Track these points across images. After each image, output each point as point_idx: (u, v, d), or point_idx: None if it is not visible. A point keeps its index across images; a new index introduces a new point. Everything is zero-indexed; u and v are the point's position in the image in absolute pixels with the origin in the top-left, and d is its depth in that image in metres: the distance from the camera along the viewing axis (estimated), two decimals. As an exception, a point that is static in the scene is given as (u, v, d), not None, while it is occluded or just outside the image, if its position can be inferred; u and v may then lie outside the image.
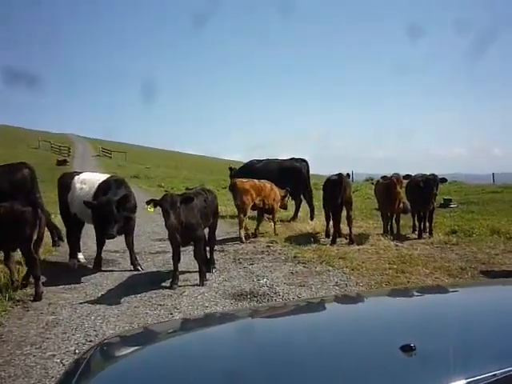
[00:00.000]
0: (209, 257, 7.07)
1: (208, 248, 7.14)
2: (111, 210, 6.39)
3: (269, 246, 8.94)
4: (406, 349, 1.36)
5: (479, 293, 2.35)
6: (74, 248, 7.68)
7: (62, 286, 6.28)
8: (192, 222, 6.13)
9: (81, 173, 8.10)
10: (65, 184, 7.74)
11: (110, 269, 7.34)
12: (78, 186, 7.53)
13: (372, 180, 31.23)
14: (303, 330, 1.85)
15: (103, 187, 7.05)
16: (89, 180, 7.57)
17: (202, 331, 2.05)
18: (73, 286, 6.31)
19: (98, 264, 7.22)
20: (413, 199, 10.40)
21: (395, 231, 10.14)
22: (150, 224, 12.10)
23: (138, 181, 29.84)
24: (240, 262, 7.59)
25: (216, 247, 8.84)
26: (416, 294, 2.58)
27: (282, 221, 12.33)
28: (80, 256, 7.85)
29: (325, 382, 1.34)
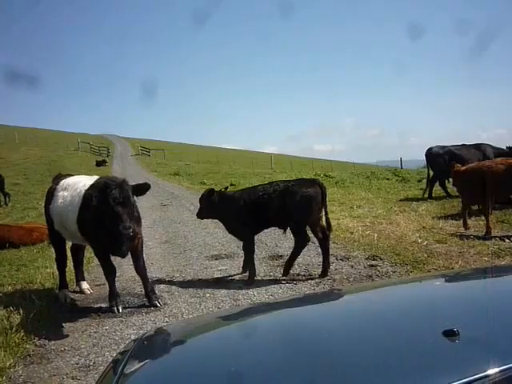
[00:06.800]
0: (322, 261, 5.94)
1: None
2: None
3: (373, 266, 6.22)
4: (449, 333, 1.31)
5: None
6: (64, 276, 5.75)
7: (75, 360, 3.83)
8: (227, 220, 6.05)
9: (71, 175, 5.95)
10: (49, 191, 5.76)
11: (150, 315, 4.84)
12: (60, 193, 5.38)
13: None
14: (345, 317, 1.84)
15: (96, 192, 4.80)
16: (72, 184, 5.39)
17: (238, 324, 2.02)
18: (92, 358, 3.84)
19: (112, 299, 5.06)
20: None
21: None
22: (199, 233, 9.65)
23: (179, 178, 27.80)
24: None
25: (297, 269, 6.28)
26: (460, 277, 2.47)
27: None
28: (84, 286, 5.88)
29: (369, 365, 1.33)
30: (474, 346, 1.33)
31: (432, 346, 1.36)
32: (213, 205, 5.98)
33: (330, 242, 7.96)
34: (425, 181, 18.94)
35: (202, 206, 6.16)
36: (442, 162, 13.34)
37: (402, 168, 31.31)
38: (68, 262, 6.08)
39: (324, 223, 5.95)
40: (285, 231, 5.93)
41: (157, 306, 5.05)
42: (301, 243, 5.78)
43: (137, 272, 5.26)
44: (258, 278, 6.01)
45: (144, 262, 5.33)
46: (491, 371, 1.15)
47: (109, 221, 4.51)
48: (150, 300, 5.14)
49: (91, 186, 5.01)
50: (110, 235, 4.64)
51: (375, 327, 1.62)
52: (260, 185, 6.46)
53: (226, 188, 6.47)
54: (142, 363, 1.64)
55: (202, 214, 6.22)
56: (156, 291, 5.35)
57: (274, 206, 5.62)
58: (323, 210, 5.84)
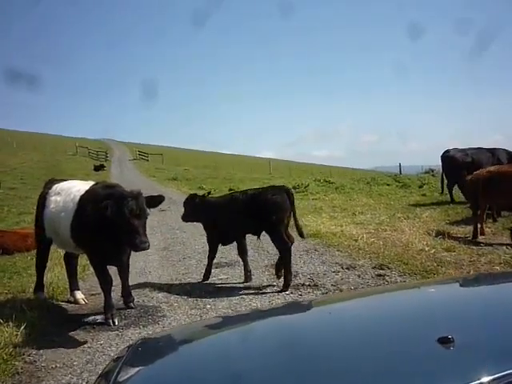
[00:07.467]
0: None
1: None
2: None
3: (381, 276, 5.96)
4: (444, 341, 1.30)
5: None
6: (41, 277, 5.62)
7: (67, 379, 3.52)
8: (205, 223, 6.33)
9: (65, 180, 5.71)
10: (41, 195, 5.56)
11: (148, 328, 4.56)
12: (52, 198, 5.20)
13: (433, 172, 27.27)
14: (341, 323, 1.81)
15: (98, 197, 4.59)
16: (66, 189, 5.19)
17: (234, 330, 1.96)
18: (85, 377, 3.56)
19: (108, 311, 4.78)
20: None
21: None
22: (198, 239, 9.37)
23: (177, 183, 27.56)
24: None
25: (301, 278, 6.03)
26: (455, 284, 2.38)
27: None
28: (78, 296, 5.57)
29: (364, 372, 1.31)
30: (469, 353, 1.31)
31: (426, 352, 1.34)
32: (195, 209, 6.29)
33: (334, 249, 7.81)
34: (426, 187, 18.81)
35: (185, 209, 6.47)
36: (457, 165, 12.99)
37: (401, 174, 31.10)
38: (62, 270, 5.81)
39: (296, 229, 5.85)
40: (258, 237, 6.00)
41: (131, 308, 5.15)
42: (282, 249, 5.64)
43: (119, 272, 5.22)
44: (261, 287, 5.76)
45: (129, 265, 5.31)
46: (485, 379, 1.13)
47: (122, 233, 4.31)
48: (126, 303, 5.22)
49: (86, 191, 4.79)
50: (112, 245, 4.45)
51: (371, 333, 1.60)
52: (236, 191, 7.06)
53: (209, 193, 6.87)
54: (136, 370, 1.61)
55: (185, 218, 6.51)
56: (154, 301, 5.11)
57: (243, 212, 5.72)
58: (292, 216, 5.78)
